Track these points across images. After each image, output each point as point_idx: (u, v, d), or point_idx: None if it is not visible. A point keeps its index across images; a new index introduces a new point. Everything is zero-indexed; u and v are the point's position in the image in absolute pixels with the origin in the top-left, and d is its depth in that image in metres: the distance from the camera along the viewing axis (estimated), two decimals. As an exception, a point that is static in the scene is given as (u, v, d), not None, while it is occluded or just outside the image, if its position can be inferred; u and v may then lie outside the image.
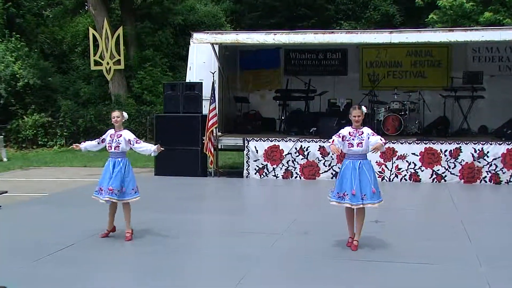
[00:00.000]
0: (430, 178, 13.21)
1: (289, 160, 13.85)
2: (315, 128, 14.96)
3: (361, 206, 7.35)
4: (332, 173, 13.62)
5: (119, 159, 7.86)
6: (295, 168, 13.83)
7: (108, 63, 23.63)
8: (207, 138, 13.98)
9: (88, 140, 8.47)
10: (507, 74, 16.18)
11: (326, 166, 13.67)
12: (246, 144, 14.02)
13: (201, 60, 15.50)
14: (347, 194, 7.32)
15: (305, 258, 7.06)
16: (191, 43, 15.23)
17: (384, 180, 13.32)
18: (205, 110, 14.51)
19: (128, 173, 7.93)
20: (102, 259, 7.10)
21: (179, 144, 14.29)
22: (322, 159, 13.68)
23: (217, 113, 14.34)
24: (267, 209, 10.93)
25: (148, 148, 8.12)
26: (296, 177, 13.82)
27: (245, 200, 12.46)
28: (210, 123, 14.07)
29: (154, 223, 9.04)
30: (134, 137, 8.03)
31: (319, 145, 13.71)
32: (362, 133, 7.40)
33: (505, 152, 12.92)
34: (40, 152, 22.14)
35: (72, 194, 12.44)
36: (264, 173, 13.96)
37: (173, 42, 26.52)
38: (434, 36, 13.74)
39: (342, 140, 7.45)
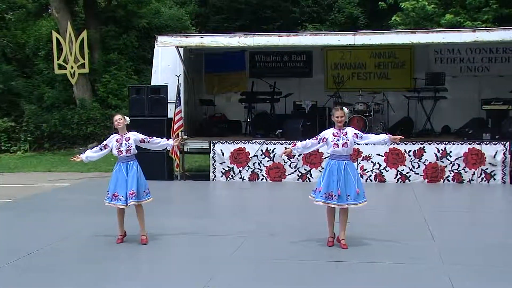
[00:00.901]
0: (394, 178, 13.37)
1: (255, 162, 13.88)
2: (280, 130, 15.02)
3: (346, 206, 7.47)
4: (298, 175, 13.70)
5: (131, 162, 7.82)
6: (261, 170, 13.87)
7: (72, 67, 23.35)
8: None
9: (88, 150, 8.17)
10: (468, 75, 16.47)
11: (292, 168, 13.74)
12: (212, 147, 14.02)
13: (166, 63, 15.47)
14: (334, 195, 7.40)
15: (271, 260, 7.07)
16: (155, 46, 15.17)
17: (350, 181, 13.42)
18: (170, 114, 14.46)
19: (141, 174, 7.91)
20: (67, 265, 7.02)
21: (145, 148, 14.18)
22: (288, 160, 13.74)
23: (182, 116, 14.32)
24: (234, 211, 10.94)
25: (165, 142, 8.19)
26: (262, 179, 13.85)
27: (211, 203, 12.46)
28: (175, 126, 14.03)
29: (116, 227, 8.99)
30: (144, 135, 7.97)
31: (285, 147, 13.73)
32: (346, 133, 7.51)
33: (467, 151, 13.14)
34: (3, 157, 21.81)
35: (37, 199, 12.27)
36: (230, 176, 13.97)
37: (138, 46, 26.34)
38: (397, 38, 13.90)
39: (322, 142, 7.59)
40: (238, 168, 13.95)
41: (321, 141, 7.62)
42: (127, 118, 7.98)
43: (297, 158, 13.67)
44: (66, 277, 6.54)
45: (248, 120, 16.36)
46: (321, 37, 14.33)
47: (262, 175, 13.88)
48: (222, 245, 7.80)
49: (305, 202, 11.79)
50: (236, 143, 14.03)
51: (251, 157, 13.89)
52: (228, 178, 13.98)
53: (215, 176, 14.04)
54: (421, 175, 13.29)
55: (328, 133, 7.58)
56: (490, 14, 19.18)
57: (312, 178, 13.61)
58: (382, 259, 7.02)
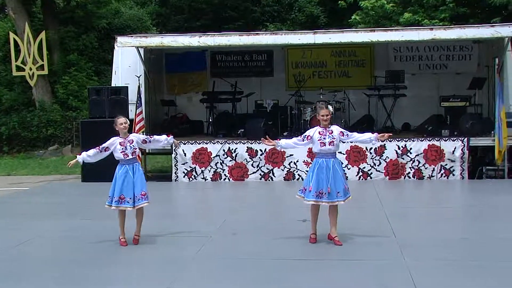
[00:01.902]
0: (356, 175, 13.48)
1: (218, 162, 13.87)
2: (242, 130, 15.03)
3: (336, 203, 7.52)
4: (260, 174, 13.73)
5: (136, 164, 7.76)
6: (224, 170, 13.87)
7: (31, 69, 22.99)
8: (135, 143, 13.80)
9: (83, 152, 8.00)
10: (427, 72, 16.69)
11: (254, 167, 13.76)
12: (174, 148, 13.95)
13: (127, 64, 15.35)
14: (324, 193, 7.43)
15: (234, 260, 7.08)
16: (115, 47, 15.04)
17: (312, 179, 13.51)
18: (131, 115, 14.33)
19: (143, 176, 7.85)
20: (27, 271, 6.92)
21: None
22: (251, 160, 13.77)
23: (144, 117, 14.23)
24: (196, 212, 10.93)
25: (165, 139, 8.11)
26: (225, 179, 13.85)
27: (174, 204, 12.40)
28: (137, 127, 13.93)
29: (80, 230, 8.91)
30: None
31: (247, 147, 13.79)
32: (332, 131, 7.56)
33: (427, 148, 13.34)
34: (-39, 161, 21.40)
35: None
36: (192, 176, 13.93)
37: (98, 46, 26.05)
38: (357, 36, 14.00)
39: (306, 139, 7.64)
40: (200, 168, 13.92)
41: (306, 139, 7.65)
42: (129, 122, 7.89)
43: (259, 158, 13.71)
44: (26, 283, 6.44)
45: (210, 120, 16.33)
46: (281, 36, 14.36)
47: (225, 175, 13.87)
48: (186, 246, 7.78)
49: (267, 201, 11.93)
50: (198, 143, 14.01)
51: (213, 157, 13.88)
52: (191, 179, 13.94)
53: (177, 176, 13.99)
54: (382, 172, 13.44)
55: (313, 132, 7.61)
56: (447, 13, 19.46)
57: (275, 177, 13.67)
58: (343, 256, 7.09)
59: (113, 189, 7.72)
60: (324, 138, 7.51)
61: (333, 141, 7.51)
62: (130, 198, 7.64)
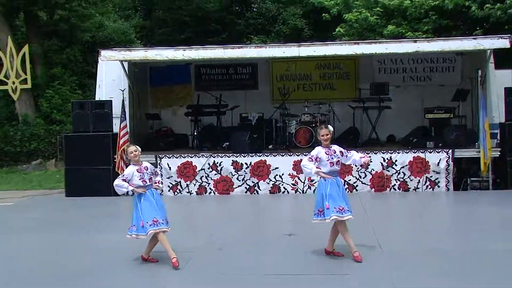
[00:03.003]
0: (342, 188, 13.44)
1: (203, 176, 13.81)
2: (227, 143, 14.99)
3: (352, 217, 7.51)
4: (246, 187, 13.67)
5: (153, 189, 7.65)
6: (209, 183, 13.80)
7: (14, 83, 22.79)
8: (119, 157, 13.73)
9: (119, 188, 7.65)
10: (411, 84, 16.76)
11: (239, 181, 13.70)
12: (158, 161, 13.87)
13: (111, 78, 15.28)
14: (343, 209, 7.40)
15: (219, 275, 7.02)
16: (99, 60, 14.96)
17: (298, 192, 13.50)
18: (115, 128, 14.28)
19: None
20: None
21: (91, 164, 14.05)
22: (236, 173, 13.71)
23: (128, 131, 14.14)
24: (182, 226, 10.78)
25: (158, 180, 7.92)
26: (210, 192, 13.78)
27: (159, 218, 12.28)
28: (121, 141, 13.84)
29: (63, 244, 8.82)
30: None
31: (232, 160, 13.74)
32: (335, 151, 7.59)
33: (412, 160, 13.35)
34: None
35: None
36: (178, 190, 13.86)
37: (82, 60, 25.96)
38: (341, 49, 14.00)
39: (315, 161, 7.53)
40: (185, 182, 13.84)
41: (315, 160, 7.57)
42: (140, 149, 7.78)
43: (244, 171, 13.66)
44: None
45: (195, 134, 16.28)
46: (266, 49, 14.35)
47: (210, 188, 13.80)
48: (170, 262, 7.68)
49: (253, 215, 11.86)
50: (183, 157, 13.93)
51: (198, 171, 13.81)
52: (176, 193, 13.86)
53: (162, 190, 13.88)
54: (368, 185, 13.44)
55: (320, 153, 7.56)
56: (430, 25, 19.56)
57: (260, 190, 13.62)
58: (331, 270, 7.06)
59: (138, 215, 7.53)
60: (332, 158, 7.53)
61: (339, 160, 7.60)
62: (163, 220, 7.50)
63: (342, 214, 7.39)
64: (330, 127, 7.72)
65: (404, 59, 16.62)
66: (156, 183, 7.76)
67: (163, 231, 7.49)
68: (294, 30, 31.47)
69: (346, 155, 7.73)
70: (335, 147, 7.67)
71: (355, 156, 7.79)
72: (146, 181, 7.57)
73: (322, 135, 7.58)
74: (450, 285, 6.37)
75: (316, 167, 7.50)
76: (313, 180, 13.40)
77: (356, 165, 7.92)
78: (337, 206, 7.40)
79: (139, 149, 7.75)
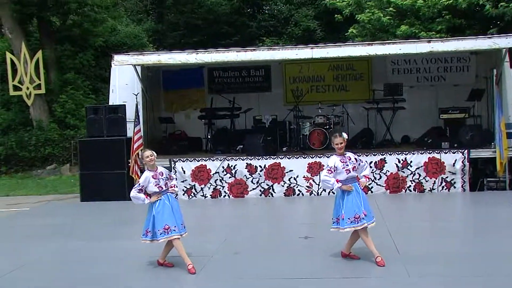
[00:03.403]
0: (357, 190, 13.36)
1: (217, 179, 13.78)
2: (241, 146, 14.96)
3: (373, 224, 7.48)
4: (260, 190, 13.63)
5: (170, 194, 7.62)
6: (223, 187, 13.77)
7: (28, 88, 22.99)
8: (133, 161, 13.74)
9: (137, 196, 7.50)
10: (425, 84, 16.65)
11: (254, 184, 13.67)
12: (172, 165, 13.86)
13: (124, 82, 15.29)
14: (360, 217, 7.35)
15: (236, 280, 6.98)
16: (112, 65, 14.98)
17: (313, 195, 13.44)
18: (129, 133, 14.29)
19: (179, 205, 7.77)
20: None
21: (105, 168, 14.07)
22: (250, 176, 13.67)
23: (142, 135, 14.15)
24: (197, 230, 10.75)
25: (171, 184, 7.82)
26: (224, 196, 13.76)
27: (174, 222, 12.26)
28: (135, 145, 13.85)
29: (80, 252, 8.81)
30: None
31: (246, 163, 13.70)
32: (350, 158, 7.53)
33: (427, 160, 13.25)
34: (-40, 182, 21.29)
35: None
36: (192, 194, 13.84)
37: (95, 64, 26.10)
38: (355, 50, 13.91)
39: (334, 172, 7.45)
40: (200, 185, 13.83)
41: (333, 170, 7.48)
42: (155, 154, 7.71)
43: (259, 174, 13.62)
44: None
45: (209, 137, 16.27)
46: (279, 51, 14.30)
47: (225, 191, 13.78)
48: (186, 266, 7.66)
49: (268, 217, 11.81)
50: (197, 161, 13.92)
51: (213, 174, 13.78)
52: (190, 196, 13.84)
53: (177, 194, 13.82)
54: (383, 186, 13.35)
55: (336, 162, 7.49)
56: (444, 25, 19.43)
57: (275, 193, 13.57)
58: (347, 274, 7.01)
59: (151, 222, 7.48)
60: (347, 165, 7.46)
61: (355, 166, 7.52)
62: (175, 227, 7.43)
63: (357, 223, 7.34)
64: (345, 135, 7.63)
65: (418, 59, 16.52)
66: (171, 187, 7.72)
67: (175, 238, 7.41)
68: (307, 32, 31.47)
69: (359, 164, 7.64)
70: (350, 154, 7.61)
71: (364, 171, 7.73)
72: (162, 187, 7.52)
73: (337, 144, 7.51)
74: (469, 288, 6.29)
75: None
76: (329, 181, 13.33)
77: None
78: (353, 216, 7.34)
79: (155, 154, 7.68)
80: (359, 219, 7.34)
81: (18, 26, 23.94)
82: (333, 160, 7.51)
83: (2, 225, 12.03)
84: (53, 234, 10.45)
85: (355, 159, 7.59)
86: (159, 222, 7.40)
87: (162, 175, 7.60)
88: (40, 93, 23.23)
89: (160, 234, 7.38)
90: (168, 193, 7.61)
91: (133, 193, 7.47)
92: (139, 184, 7.52)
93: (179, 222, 7.50)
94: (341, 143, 7.50)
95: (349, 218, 7.35)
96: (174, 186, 7.80)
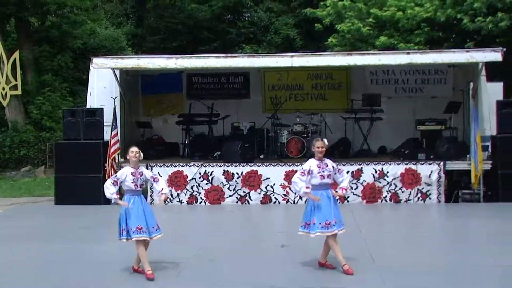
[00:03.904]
0: (333, 199, 13.40)
1: (194, 185, 13.74)
2: (219, 152, 14.92)
3: (342, 231, 7.54)
4: (237, 197, 13.62)
5: (142, 195, 7.58)
6: (200, 193, 13.73)
7: (3, 89, 22.71)
8: (110, 165, 13.64)
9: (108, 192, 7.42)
10: (403, 95, 16.75)
11: (230, 191, 13.64)
12: (149, 170, 13.77)
13: (102, 85, 15.19)
14: (330, 223, 7.37)
15: (211, 287, 6.94)
16: (91, 68, 14.86)
17: (289, 203, 13.45)
18: (106, 136, 14.19)
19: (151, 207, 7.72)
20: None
21: (81, 172, 13.93)
22: (227, 183, 13.65)
23: (119, 139, 14.06)
24: (173, 236, 10.69)
25: (158, 191, 7.82)
26: (201, 202, 13.71)
27: (150, 228, 12.16)
28: (112, 149, 13.76)
29: (54, 255, 8.71)
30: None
31: (223, 170, 13.68)
32: (327, 165, 7.55)
33: (404, 171, 13.35)
34: None
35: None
36: (168, 199, 13.76)
37: (73, 66, 25.88)
38: (334, 60, 13.96)
39: (308, 174, 7.49)
40: (176, 191, 13.77)
41: (307, 173, 7.52)
42: (142, 154, 7.66)
43: (235, 181, 13.61)
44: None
45: (186, 142, 16.21)
46: (259, 59, 14.32)
47: (201, 198, 13.73)
48: (162, 273, 7.59)
49: (245, 225, 11.80)
50: (174, 166, 13.86)
51: (189, 180, 13.74)
52: (166, 202, 13.75)
53: (152, 199, 13.80)
54: (359, 196, 13.41)
55: (312, 165, 7.53)
56: (422, 37, 19.61)
57: (251, 200, 13.57)
58: (323, 283, 7.00)
59: (125, 220, 7.42)
60: (323, 171, 7.50)
61: (330, 174, 7.54)
62: (146, 228, 7.40)
63: (327, 229, 7.38)
64: (325, 140, 7.68)
65: (396, 71, 16.62)
66: (161, 191, 7.66)
67: (144, 239, 7.39)
68: (286, 40, 31.56)
69: (336, 173, 7.64)
70: (327, 161, 7.63)
71: (343, 184, 7.71)
72: (138, 186, 7.48)
73: (318, 147, 7.55)
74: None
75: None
76: (305, 190, 13.35)
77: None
78: (324, 221, 7.38)
79: (141, 153, 7.64)
80: (329, 225, 7.36)
81: (-5, 26, 23.71)
82: (309, 164, 7.55)
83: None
84: (27, 237, 10.32)
85: (333, 167, 7.61)
86: (133, 220, 7.35)
87: (142, 175, 7.54)
88: (16, 94, 22.96)
89: (133, 232, 7.34)
90: (142, 196, 7.57)
91: (108, 183, 7.45)
92: (115, 176, 7.50)
93: (150, 225, 7.45)
94: (322, 147, 7.55)
95: (320, 223, 7.38)
96: (162, 190, 7.69)
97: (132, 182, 7.43)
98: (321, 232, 7.39)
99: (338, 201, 12.96)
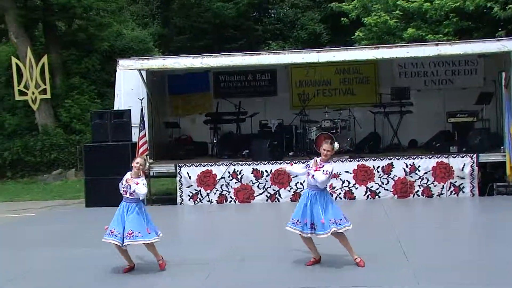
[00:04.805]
0: (364, 195, 13.26)
1: (223, 184, 13.67)
2: (247, 151, 14.85)
3: (309, 235, 7.49)
4: (266, 195, 13.52)
5: (133, 204, 7.69)
6: (229, 192, 13.66)
7: (33, 93, 22.93)
8: (138, 166, 13.61)
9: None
10: (433, 88, 16.48)
11: (260, 189, 13.55)
12: (178, 170, 13.77)
13: (129, 87, 15.22)
14: (298, 221, 7.45)
15: (242, 288, 6.85)
16: (117, 70, 14.90)
17: (319, 200, 13.28)
18: (134, 138, 14.21)
19: (142, 215, 7.76)
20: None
21: (110, 174, 13.88)
22: (256, 181, 13.56)
23: (147, 140, 14.07)
24: (202, 237, 10.69)
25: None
26: (230, 201, 13.64)
27: (179, 229, 12.13)
28: (140, 150, 13.76)
29: (84, 259, 8.70)
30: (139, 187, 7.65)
31: (252, 168, 13.59)
32: (323, 166, 7.41)
33: (435, 165, 13.11)
34: (-35, 187, 21.24)
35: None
36: (198, 199, 13.73)
37: (101, 69, 26.00)
38: (361, 54, 13.81)
39: (307, 167, 7.54)
40: (205, 191, 13.71)
41: (306, 166, 7.54)
42: (147, 165, 7.92)
43: (265, 179, 13.51)
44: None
45: (214, 142, 16.16)
46: (285, 55, 14.23)
47: (231, 197, 13.66)
48: (192, 274, 7.52)
49: (275, 223, 11.66)
50: (203, 166, 13.81)
51: (219, 180, 13.67)
52: (196, 202, 13.73)
53: (182, 200, 13.78)
54: (390, 191, 13.21)
55: (313, 162, 7.49)
56: (451, 27, 19.28)
57: (281, 198, 13.46)
58: (355, 282, 6.84)
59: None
60: (312, 167, 7.45)
61: (313, 176, 7.39)
62: (119, 233, 7.59)
63: (295, 226, 7.51)
64: (336, 145, 7.56)
65: (425, 63, 16.34)
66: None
67: (111, 242, 7.62)
68: (313, 35, 31.34)
69: (321, 174, 7.33)
70: (327, 164, 7.42)
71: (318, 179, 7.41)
72: (126, 193, 7.66)
73: (324, 149, 7.45)
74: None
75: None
76: (335, 187, 13.24)
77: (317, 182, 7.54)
78: (295, 218, 7.52)
79: (146, 165, 7.97)
80: (297, 223, 7.46)
81: (24, 31, 23.92)
82: (313, 161, 7.54)
83: (7, 231, 11.93)
84: (58, 241, 10.36)
85: (327, 170, 7.37)
86: (111, 223, 7.71)
87: (130, 188, 7.60)
88: (45, 98, 23.19)
89: (105, 234, 7.69)
90: (131, 204, 7.67)
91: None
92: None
93: (125, 231, 7.56)
94: (328, 151, 7.43)
95: (292, 219, 7.52)
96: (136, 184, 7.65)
97: (122, 188, 7.69)
98: (290, 227, 7.57)
99: (369, 196, 12.89)
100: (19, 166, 22.76)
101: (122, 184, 7.71)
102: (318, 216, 7.38)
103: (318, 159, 7.52)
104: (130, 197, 7.66)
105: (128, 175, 7.71)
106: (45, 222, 12.95)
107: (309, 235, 7.47)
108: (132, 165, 7.81)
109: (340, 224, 7.44)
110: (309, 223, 7.41)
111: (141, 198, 7.74)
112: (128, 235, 7.54)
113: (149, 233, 7.68)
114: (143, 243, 7.67)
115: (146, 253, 7.86)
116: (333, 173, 7.57)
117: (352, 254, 7.56)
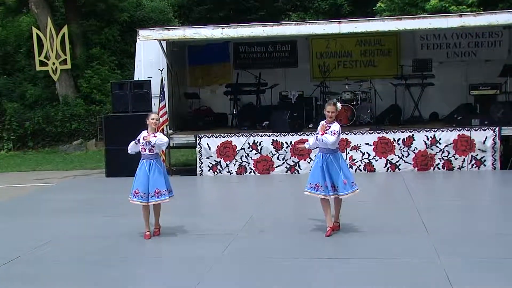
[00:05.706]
0: (384, 167, 13.20)
1: (243, 155, 13.67)
2: (267, 122, 14.81)
3: (332, 196, 7.59)
4: (286, 167, 13.50)
5: (154, 160, 7.87)
6: (249, 163, 13.66)
7: (54, 63, 23.01)
8: (158, 137, 13.65)
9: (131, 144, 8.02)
10: (455, 60, 16.29)
11: (280, 160, 13.53)
12: (198, 141, 13.78)
13: (149, 57, 15.18)
14: (320, 186, 7.52)
15: (261, 259, 6.85)
16: (137, 40, 14.86)
17: (339, 172, 13.25)
18: (154, 108, 14.20)
19: (163, 172, 7.95)
20: (49, 273, 6.76)
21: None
22: (276, 153, 13.54)
23: (167, 110, 14.09)
24: (222, 207, 10.74)
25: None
26: (250, 172, 13.65)
27: (198, 199, 12.17)
28: (160, 121, 13.74)
29: (104, 227, 8.78)
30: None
31: (272, 139, 13.56)
32: (329, 128, 7.51)
33: (457, 138, 12.99)
34: (-14, 157, 21.47)
35: (21, 201, 11.94)
36: (217, 170, 13.75)
37: (121, 39, 25.99)
38: (383, 25, 13.65)
39: (315, 134, 7.71)
40: (225, 162, 13.73)
41: (316, 133, 7.69)
42: (160, 119, 8.14)
43: (285, 150, 13.48)
44: (49, 287, 6.30)
45: (234, 113, 16.14)
46: (305, 26, 14.08)
47: (250, 168, 13.66)
48: (212, 244, 7.56)
49: (294, 195, 11.67)
50: (223, 137, 13.80)
51: (238, 151, 13.67)
52: (216, 173, 13.75)
53: (202, 170, 13.81)
54: (411, 164, 13.13)
55: (320, 126, 7.63)
56: (476, -2, 19.05)
57: (301, 169, 13.44)
58: (375, 253, 6.84)
59: (133, 182, 7.89)
60: (319, 133, 7.58)
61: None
62: (144, 194, 7.76)
63: (316, 191, 7.58)
64: (339, 105, 7.68)
65: (448, 34, 16.13)
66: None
67: (137, 203, 7.79)
68: (333, 6, 31.05)
69: (329, 134, 7.47)
70: (333, 125, 7.54)
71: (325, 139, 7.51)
72: (145, 150, 7.81)
73: (328, 111, 7.58)
74: (500, 272, 6.09)
75: None
76: (355, 159, 13.22)
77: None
78: (314, 182, 7.58)
79: (160, 120, 8.43)
80: (318, 187, 7.56)
81: (44, 1, 23.92)
82: (320, 125, 7.67)
83: (29, 200, 12.04)
84: (79, 210, 10.46)
85: (333, 131, 7.47)
86: (134, 184, 7.87)
87: (150, 143, 7.74)
88: (66, 68, 23.27)
89: (130, 195, 7.86)
90: (152, 160, 7.83)
91: (130, 144, 7.95)
92: (136, 139, 7.91)
93: (151, 190, 7.76)
94: (331, 112, 7.55)
95: (310, 183, 7.66)
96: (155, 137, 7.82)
97: (141, 146, 7.81)
98: (308, 191, 7.66)
99: (389, 168, 12.83)
100: (40, 136, 22.96)
101: (138, 142, 7.83)
102: (338, 176, 7.50)
103: (323, 122, 7.61)
104: (150, 153, 7.81)
105: (144, 133, 7.85)
106: (68, 192, 13.06)
107: (332, 196, 7.56)
108: (147, 122, 7.90)
109: (355, 186, 7.65)
110: (329, 185, 7.50)
111: (164, 147, 7.84)
112: (156, 194, 7.74)
113: (170, 192, 7.93)
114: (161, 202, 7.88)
115: (166, 220, 7.88)
116: (340, 131, 7.58)
117: (337, 218, 7.80)
